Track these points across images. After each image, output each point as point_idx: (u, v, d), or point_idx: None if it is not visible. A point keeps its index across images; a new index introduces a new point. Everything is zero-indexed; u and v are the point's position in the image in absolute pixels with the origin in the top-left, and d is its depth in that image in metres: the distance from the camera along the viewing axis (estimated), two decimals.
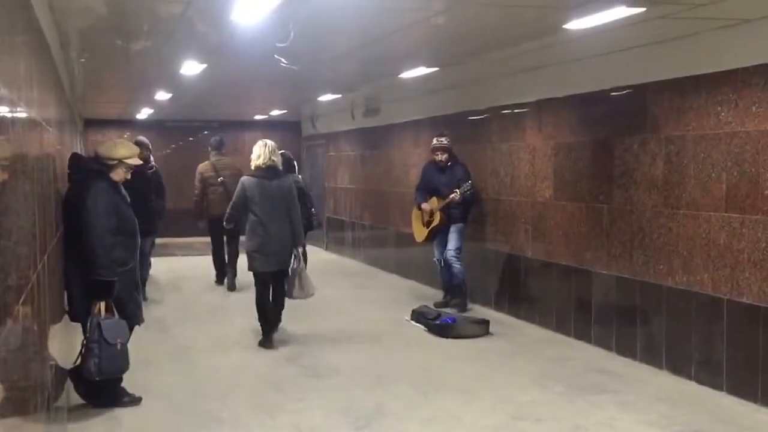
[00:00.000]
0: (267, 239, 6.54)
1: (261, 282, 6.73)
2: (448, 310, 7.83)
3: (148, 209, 7.81)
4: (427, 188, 8.19)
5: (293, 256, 6.68)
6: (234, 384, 5.61)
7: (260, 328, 6.76)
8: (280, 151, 7.03)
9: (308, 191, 8.40)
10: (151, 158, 8.91)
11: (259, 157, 6.62)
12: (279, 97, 13.44)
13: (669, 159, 5.76)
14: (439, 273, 8.37)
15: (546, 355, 6.39)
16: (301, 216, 6.98)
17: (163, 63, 8.17)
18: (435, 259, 8.32)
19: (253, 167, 6.68)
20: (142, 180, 7.84)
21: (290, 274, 6.69)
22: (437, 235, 8.14)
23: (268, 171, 6.61)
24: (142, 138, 8.86)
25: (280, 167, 6.82)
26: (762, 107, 4.97)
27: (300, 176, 8.68)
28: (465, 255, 8.41)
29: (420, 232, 8.36)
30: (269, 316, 6.75)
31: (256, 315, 6.79)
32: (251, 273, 6.79)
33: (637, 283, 6.11)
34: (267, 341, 6.67)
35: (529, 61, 7.16)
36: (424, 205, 8.12)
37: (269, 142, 6.78)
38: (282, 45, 5.82)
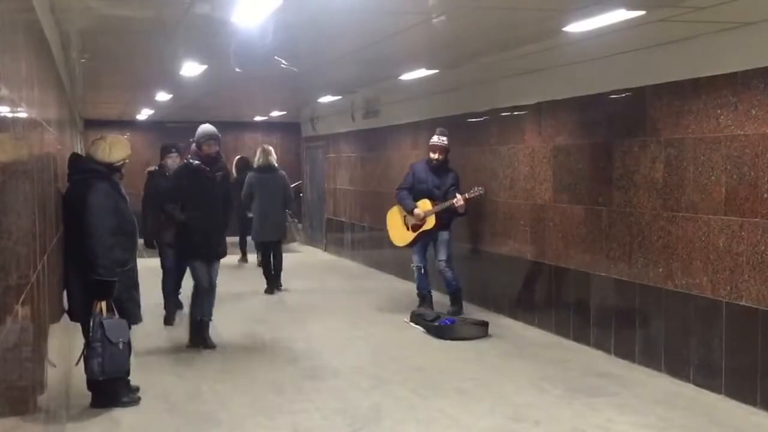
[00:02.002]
0: (264, 216, 9.33)
1: (261, 249, 9.86)
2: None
3: (218, 226, 6.53)
4: (416, 189, 7.69)
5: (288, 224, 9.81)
6: (232, 385, 5.61)
7: (265, 281, 9.54)
8: (237, 156, 11.70)
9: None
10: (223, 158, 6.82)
11: (258, 159, 9.51)
12: (279, 99, 13.44)
13: (668, 162, 5.77)
14: (418, 279, 7.91)
15: (545, 358, 6.39)
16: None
17: (163, 64, 8.18)
18: (415, 266, 7.86)
19: (255, 166, 9.62)
20: (210, 187, 6.41)
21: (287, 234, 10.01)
22: (419, 240, 7.75)
23: (264, 168, 9.41)
24: (209, 127, 6.64)
25: (275, 164, 9.48)
26: (762, 110, 4.98)
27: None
28: (463, 256, 8.42)
29: (402, 236, 7.86)
30: (270, 272, 9.51)
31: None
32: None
33: (636, 286, 6.12)
34: (269, 290, 9.44)
35: (529, 63, 7.17)
36: (417, 211, 7.60)
37: (266, 147, 9.62)
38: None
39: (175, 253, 7.12)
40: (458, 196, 7.46)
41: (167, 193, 6.75)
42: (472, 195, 7.49)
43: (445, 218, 7.63)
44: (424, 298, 7.96)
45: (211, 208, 6.46)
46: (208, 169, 6.44)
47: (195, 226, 6.40)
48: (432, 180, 7.71)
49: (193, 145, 6.57)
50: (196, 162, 6.44)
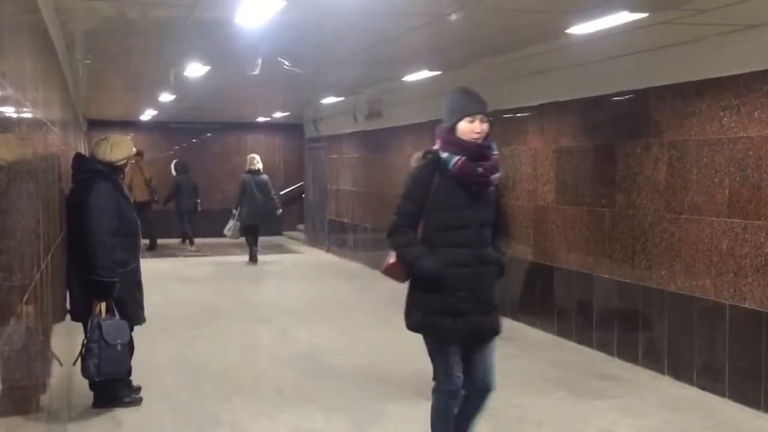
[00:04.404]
0: (251, 206, 12.04)
1: (246, 231, 12.24)
2: None
3: (490, 273, 3.75)
4: None
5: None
6: (234, 385, 5.62)
7: (249, 252, 12.52)
8: (174, 161, 14.88)
9: (197, 186, 14.51)
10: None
11: (252, 164, 12.26)
12: (282, 100, 13.46)
13: (671, 164, 5.77)
14: None
15: (547, 359, 6.39)
16: (190, 202, 14.28)
17: (167, 65, 8.19)
18: None
19: (246, 169, 12.30)
20: (479, 201, 3.70)
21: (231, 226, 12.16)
22: None
23: (253, 171, 12.21)
24: (469, 92, 3.82)
25: (260, 169, 12.25)
26: (765, 113, 4.97)
27: (190, 175, 14.52)
28: None
29: None
30: (254, 248, 12.46)
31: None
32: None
33: (639, 288, 6.11)
34: (252, 259, 12.49)
35: (532, 65, 7.17)
36: None
37: (255, 156, 12.47)
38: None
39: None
40: None
41: (400, 213, 3.77)
42: None
43: None
44: None
45: (480, 239, 3.67)
46: (480, 170, 3.62)
47: (451, 276, 3.61)
48: None
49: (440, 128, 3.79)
50: (457, 157, 3.61)
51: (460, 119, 3.63)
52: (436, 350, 3.73)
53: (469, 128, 3.61)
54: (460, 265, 3.61)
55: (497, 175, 3.71)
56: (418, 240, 3.69)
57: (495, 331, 3.73)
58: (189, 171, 14.64)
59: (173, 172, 14.78)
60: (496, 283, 3.75)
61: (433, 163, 3.68)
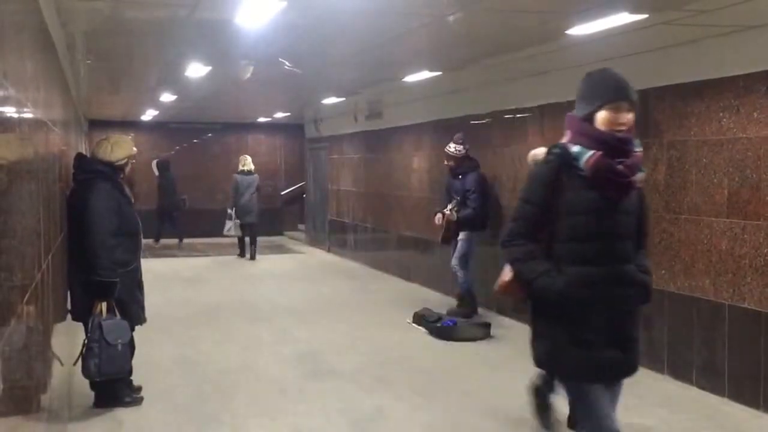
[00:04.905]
0: (244, 206, 12.55)
1: (242, 228, 12.68)
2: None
3: (630, 297, 3.08)
4: (447, 192, 8.07)
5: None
6: (235, 385, 5.63)
7: (239, 248, 13.11)
8: (155, 160, 15.13)
9: (176, 184, 14.91)
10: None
11: (244, 165, 12.78)
12: (282, 100, 13.48)
13: (671, 164, 5.77)
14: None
15: None
16: (173, 200, 14.64)
17: (167, 65, 8.21)
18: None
19: (239, 169, 12.77)
20: (618, 210, 3.04)
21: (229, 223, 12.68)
22: (445, 239, 7.98)
23: (246, 172, 12.71)
24: (614, 75, 3.12)
25: (252, 168, 12.77)
26: (764, 114, 4.98)
27: (172, 174, 14.89)
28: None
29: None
30: (244, 243, 12.94)
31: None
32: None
33: None
34: (241, 255, 13.01)
35: (532, 66, 7.18)
36: (437, 216, 7.85)
37: (246, 157, 13.00)
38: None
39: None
40: (449, 206, 7.68)
41: (518, 220, 3.13)
42: (452, 207, 7.68)
43: (466, 219, 7.77)
44: (459, 297, 8.02)
45: (617, 253, 3.00)
46: (619, 167, 2.99)
47: (579, 299, 2.95)
48: (452, 185, 7.95)
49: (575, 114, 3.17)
50: (591, 152, 2.99)
51: (600, 107, 2.96)
52: (577, 392, 3.02)
53: (612, 118, 2.95)
54: (591, 286, 2.91)
55: (640, 175, 3.04)
56: (540, 252, 2.98)
57: (630, 370, 3.09)
58: (170, 169, 14.81)
59: (155, 171, 14.81)
60: (640, 310, 3.07)
61: (560, 159, 3.02)
